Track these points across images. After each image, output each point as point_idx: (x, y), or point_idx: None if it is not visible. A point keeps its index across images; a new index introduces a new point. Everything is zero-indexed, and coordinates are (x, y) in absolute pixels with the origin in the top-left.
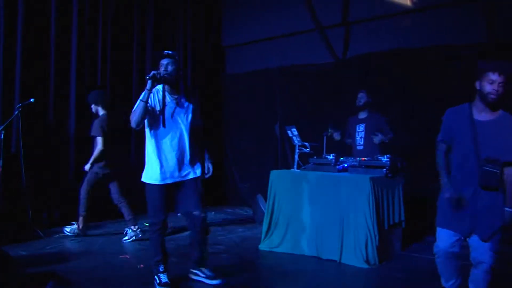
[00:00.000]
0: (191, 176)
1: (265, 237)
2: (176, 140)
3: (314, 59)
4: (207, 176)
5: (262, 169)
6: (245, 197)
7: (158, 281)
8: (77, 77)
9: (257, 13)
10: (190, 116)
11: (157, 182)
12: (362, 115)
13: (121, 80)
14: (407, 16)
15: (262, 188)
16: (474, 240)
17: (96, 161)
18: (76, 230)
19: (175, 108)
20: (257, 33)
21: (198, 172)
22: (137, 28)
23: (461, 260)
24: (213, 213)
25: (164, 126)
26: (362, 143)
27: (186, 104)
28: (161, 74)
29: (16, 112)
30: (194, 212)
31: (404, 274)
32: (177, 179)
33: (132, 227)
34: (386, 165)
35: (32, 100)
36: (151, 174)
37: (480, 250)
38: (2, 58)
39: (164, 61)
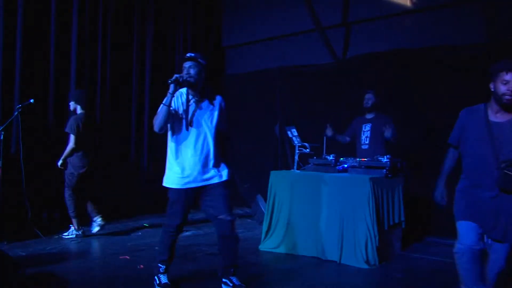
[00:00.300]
0: (216, 180)
1: (265, 238)
2: (200, 144)
3: (314, 59)
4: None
5: (262, 169)
6: (245, 197)
7: (158, 282)
8: (77, 78)
9: (257, 13)
10: (215, 119)
11: (178, 186)
12: (370, 115)
13: (121, 80)
14: (407, 17)
15: (262, 188)
16: (493, 242)
17: (67, 158)
18: (75, 232)
19: (199, 111)
20: (257, 34)
21: (225, 175)
22: (137, 28)
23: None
24: None
25: (187, 129)
26: (367, 142)
27: (210, 107)
28: (184, 78)
29: (16, 113)
30: (221, 216)
31: (404, 275)
32: (201, 183)
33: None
34: (386, 165)
35: (32, 100)
36: (172, 178)
37: (499, 252)
38: (2, 58)
39: (186, 64)
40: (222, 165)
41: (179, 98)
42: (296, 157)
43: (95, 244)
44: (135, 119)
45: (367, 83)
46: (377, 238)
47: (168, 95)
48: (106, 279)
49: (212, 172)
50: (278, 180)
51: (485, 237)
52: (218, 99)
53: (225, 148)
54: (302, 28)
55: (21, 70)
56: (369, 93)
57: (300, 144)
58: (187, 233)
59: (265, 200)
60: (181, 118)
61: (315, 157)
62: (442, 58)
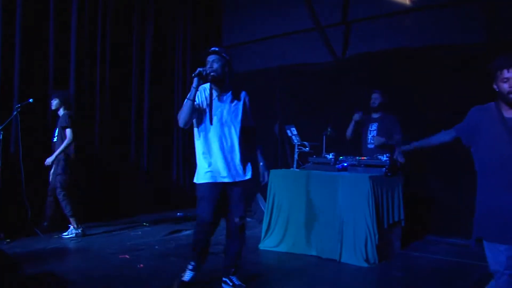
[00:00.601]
0: (239, 178)
1: (264, 237)
2: (224, 139)
3: (314, 58)
4: (263, 183)
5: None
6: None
7: (181, 275)
8: (76, 77)
9: (257, 12)
10: (239, 114)
11: (204, 181)
12: (376, 115)
13: (120, 80)
14: (407, 16)
15: (262, 187)
16: None
17: (61, 153)
18: (74, 231)
19: (223, 106)
20: (257, 33)
21: (249, 174)
22: (137, 27)
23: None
24: None
25: (211, 123)
26: (373, 142)
27: (234, 102)
28: (207, 71)
29: (15, 113)
30: (231, 218)
31: (404, 273)
32: (226, 179)
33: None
34: (385, 164)
35: (31, 100)
36: (200, 173)
37: None
38: (1, 58)
39: (210, 58)
40: (248, 164)
41: (203, 93)
42: (296, 156)
43: (95, 244)
44: (135, 119)
45: (366, 82)
46: (376, 236)
47: (192, 89)
48: (105, 279)
49: (237, 168)
50: (277, 179)
51: None
52: (242, 94)
53: (252, 144)
54: (302, 27)
55: (20, 70)
56: (376, 93)
57: (299, 143)
58: (187, 232)
59: (265, 199)
60: (205, 113)
61: (314, 156)
62: (442, 57)
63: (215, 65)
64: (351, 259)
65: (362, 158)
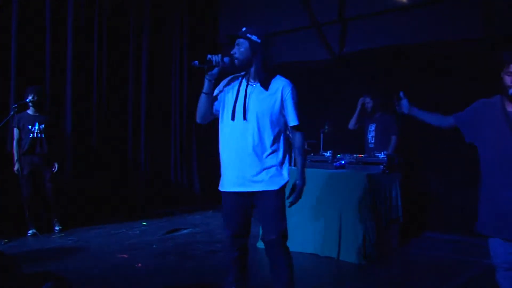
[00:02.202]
0: (263, 187)
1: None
2: (245, 139)
3: (311, 56)
4: (293, 198)
5: None
6: None
7: None
8: (73, 76)
9: (253, 10)
10: (269, 108)
11: (221, 189)
12: (375, 115)
13: (117, 78)
14: (403, 12)
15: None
16: None
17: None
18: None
19: (250, 98)
20: None
21: (276, 182)
22: (133, 24)
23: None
24: (210, 211)
25: (233, 119)
26: (373, 142)
27: (265, 93)
28: (217, 59)
29: (12, 113)
30: (264, 233)
31: (402, 270)
32: (247, 188)
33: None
34: (383, 161)
35: (27, 100)
36: (221, 179)
37: None
38: None
39: (236, 42)
40: (278, 168)
41: (228, 83)
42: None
43: (93, 243)
44: (132, 117)
45: (363, 79)
46: (374, 234)
47: (205, 81)
48: (104, 278)
49: (262, 175)
50: None
51: None
52: (278, 83)
53: (294, 145)
54: (299, 24)
55: (16, 69)
56: (367, 97)
57: None
58: (185, 231)
59: None
60: (229, 107)
61: (312, 154)
62: (439, 53)
63: (235, 50)
64: (349, 256)
65: (360, 155)
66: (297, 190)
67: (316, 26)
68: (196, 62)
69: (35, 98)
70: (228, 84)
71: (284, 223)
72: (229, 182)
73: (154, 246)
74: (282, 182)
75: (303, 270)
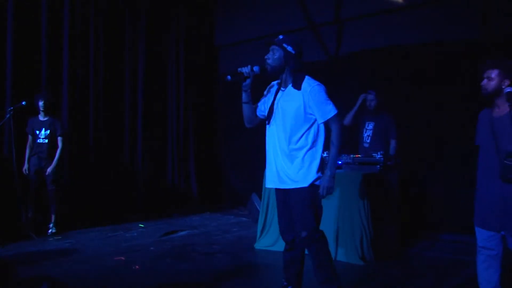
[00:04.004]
0: (290, 184)
1: (260, 236)
2: (278, 139)
3: (307, 57)
4: (320, 196)
5: (257, 168)
6: (240, 196)
7: None
8: (69, 79)
9: (249, 12)
10: (294, 109)
11: (266, 186)
12: (374, 114)
13: (114, 80)
14: (400, 13)
15: (257, 187)
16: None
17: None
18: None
19: (281, 102)
20: (250, 32)
21: (305, 181)
22: (129, 27)
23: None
24: (208, 213)
25: (268, 123)
26: (368, 141)
27: (294, 96)
28: (247, 70)
29: (8, 116)
30: (295, 231)
31: (400, 271)
32: (278, 185)
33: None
34: (380, 161)
35: (24, 103)
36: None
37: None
38: None
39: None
40: (307, 166)
41: (269, 89)
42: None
43: (90, 245)
44: (128, 120)
45: (360, 80)
46: (372, 234)
47: (242, 92)
48: (101, 281)
49: (292, 173)
50: None
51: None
52: (303, 86)
53: (332, 143)
54: (295, 26)
55: (12, 72)
56: (371, 94)
57: None
58: (183, 233)
59: (260, 198)
60: (268, 112)
61: None
62: (436, 54)
63: (269, 56)
64: (346, 257)
65: (357, 156)
66: (322, 182)
67: (312, 27)
68: (229, 77)
69: (44, 103)
70: (269, 90)
71: (312, 220)
72: (268, 179)
73: (152, 248)
74: (311, 180)
75: None
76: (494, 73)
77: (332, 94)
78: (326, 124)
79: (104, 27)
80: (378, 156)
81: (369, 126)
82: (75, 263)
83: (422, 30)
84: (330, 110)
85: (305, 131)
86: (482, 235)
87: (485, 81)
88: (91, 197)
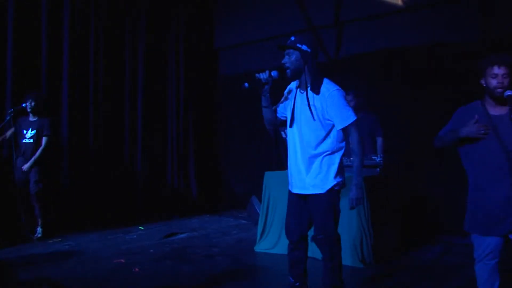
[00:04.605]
0: (310, 190)
1: (260, 239)
2: (299, 143)
3: None
4: (350, 208)
5: (256, 170)
6: (240, 199)
7: None
8: (69, 82)
9: (249, 14)
10: (314, 112)
11: (289, 189)
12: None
13: (114, 81)
14: (400, 15)
15: (257, 189)
16: None
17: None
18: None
19: (300, 105)
20: (249, 35)
21: (323, 188)
22: (129, 29)
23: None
24: (207, 215)
25: (291, 126)
26: None
27: (312, 99)
28: (265, 76)
29: (8, 118)
30: (313, 234)
31: (400, 273)
32: (299, 190)
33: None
34: (379, 164)
35: (24, 105)
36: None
37: None
38: None
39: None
40: (325, 172)
41: (290, 91)
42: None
43: (90, 248)
44: (128, 122)
45: (359, 82)
46: (372, 237)
47: (261, 97)
48: (100, 283)
49: (310, 178)
50: (272, 180)
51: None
52: (323, 88)
53: (354, 151)
54: (295, 28)
55: (12, 73)
56: (349, 95)
57: None
58: (182, 235)
59: (260, 201)
60: (288, 115)
61: None
62: (436, 56)
63: (286, 60)
64: (346, 259)
65: None
66: (351, 193)
67: (312, 29)
68: (246, 84)
69: (32, 103)
70: (289, 91)
71: (332, 225)
72: (291, 184)
73: (151, 250)
74: (329, 186)
75: None
76: (505, 70)
77: None
78: (345, 130)
79: (104, 27)
80: (378, 159)
81: None
82: (74, 265)
83: (422, 32)
84: (349, 116)
85: (324, 137)
86: (483, 244)
87: (504, 78)
88: (90, 199)
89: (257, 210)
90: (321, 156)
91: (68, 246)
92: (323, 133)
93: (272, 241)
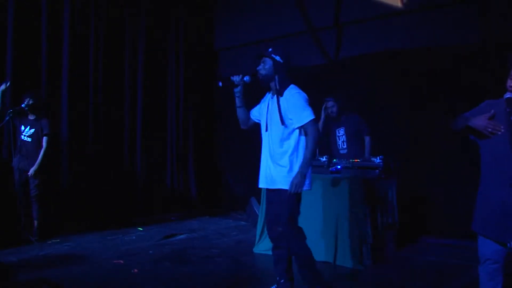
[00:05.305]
0: (274, 186)
1: (259, 240)
2: (269, 144)
3: (306, 61)
4: (289, 192)
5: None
6: (239, 200)
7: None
8: (69, 81)
9: (249, 15)
10: (282, 118)
11: (258, 185)
12: (339, 119)
13: (113, 82)
14: (399, 17)
15: (256, 191)
16: None
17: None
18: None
19: (270, 109)
20: (249, 36)
21: (281, 182)
22: (129, 31)
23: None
24: (207, 216)
25: (266, 130)
26: (345, 147)
27: (280, 103)
28: (238, 79)
29: (8, 118)
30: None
31: (398, 275)
32: (266, 186)
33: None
34: (379, 166)
35: (23, 105)
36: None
37: None
38: None
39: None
40: (288, 170)
41: (264, 97)
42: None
43: (89, 249)
44: (128, 123)
45: (359, 84)
46: (371, 238)
47: (235, 98)
48: (99, 284)
49: (275, 174)
50: None
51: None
52: (286, 91)
53: (307, 146)
54: (295, 30)
55: (12, 73)
56: (330, 101)
57: None
58: (181, 236)
59: (259, 202)
60: (262, 120)
61: None
62: (436, 58)
63: (260, 67)
64: (345, 261)
65: (356, 160)
66: (292, 179)
67: (312, 31)
68: (220, 83)
69: (30, 102)
70: (264, 98)
71: (286, 218)
72: (260, 179)
73: (151, 251)
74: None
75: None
76: None
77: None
78: (304, 129)
79: (104, 27)
80: (377, 160)
81: (340, 132)
82: (74, 266)
83: (421, 34)
84: (307, 116)
85: (287, 136)
86: (489, 247)
87: None
88: (89, 200)
89: (256, 211)
90: (287, 155)
91: (67, 247)
92: (287, 133)
93: (271, 243)
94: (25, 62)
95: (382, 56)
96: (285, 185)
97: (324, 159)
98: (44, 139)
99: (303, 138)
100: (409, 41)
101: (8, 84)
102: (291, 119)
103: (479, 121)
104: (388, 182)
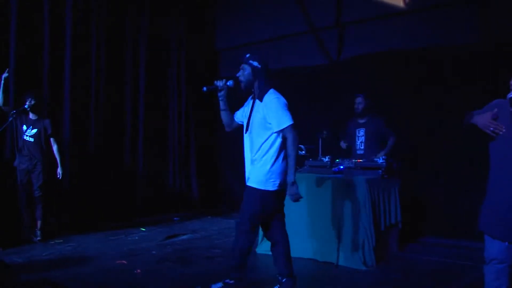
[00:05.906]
0: (249, 183)
1: (261, 240)
2: (249, 144)
3: (308, 61)
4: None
5: None
6: (240, 200)
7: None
8: (70, 81)
9: (250, 16)
10: (261, 121)
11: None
12: (362, 119)
13: (115, 83)
14: (401, 17)
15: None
16: None
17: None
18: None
19: (252, 113)
20: (250, 36)
21: (256, 183)
22: (131, 30)
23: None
24: (209, 217)
25: (245, 132)
26: (362, 148)
27: (260, 107)
28: (221, 83)
29: (11, 119)
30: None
31: (401, 275)
32: (247, 183)
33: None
34: (381, 166)
35: (26, 106)
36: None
37: None
38: None
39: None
40: (261, 171)
41: (248, 101)
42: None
43: (91, 249)
44: (130, 123)
45: (361, 84)
46: (374, 239)
47: (220, 101)
48: (102, 284)
49: (252, 173)
50: None
51: None
52: (266, 97)
53: (288, 154)
54: (296, 30)
55: (15, 74)
56: (359, 97)
57: None
58: (184, 237)
59: None
60: (244, 122)
61: (310, 159)
62: (437, 58)
63: (240, 74)
64: (348, 262)
65: (358, 160)
66: (287, 191)
67: (314, 31)
68: (205, 88)
69: (32, 102)
70: (248, 103)
71: (246, 215)
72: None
73: (153, 252)
74: (262, 183)
75: (302, 275)
76: None
77: (334, 98)
78: (283, 134)
79: (105, 28)
80: (380, 161)
81: (360, 132)
82: (76, 266)
83: (423, 34)
84: (286, 121)
85: (265, 140)
86: (495, 246)
87: None
88: (92, 200)
89: None
90: (264, 158)
91: (70, 247)
92: (265, 137)
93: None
94: (27, 62)
95: (384, 56)
96: (255, 184)
97: (326, 159)
98: (52, 140)
99: (280, 141)
100: (411, 41)
101: (6, 72)
102: (270, 124)
103: (481, 120)
104: (390, 182)
